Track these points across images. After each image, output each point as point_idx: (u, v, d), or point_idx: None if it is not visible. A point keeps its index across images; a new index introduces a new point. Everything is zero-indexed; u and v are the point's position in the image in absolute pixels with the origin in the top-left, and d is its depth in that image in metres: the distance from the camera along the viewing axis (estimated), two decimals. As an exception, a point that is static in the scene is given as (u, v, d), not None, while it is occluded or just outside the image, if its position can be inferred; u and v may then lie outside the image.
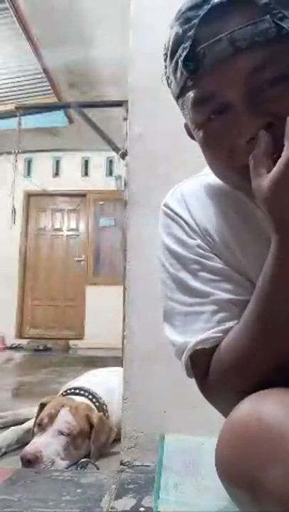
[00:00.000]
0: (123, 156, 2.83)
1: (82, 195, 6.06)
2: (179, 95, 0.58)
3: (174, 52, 0.55)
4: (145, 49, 1.39)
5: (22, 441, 1.55)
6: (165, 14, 1.35)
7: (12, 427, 1.63)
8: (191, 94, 0.55)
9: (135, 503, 0.97)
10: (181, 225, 0.66)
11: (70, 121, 4.68)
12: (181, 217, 0.67)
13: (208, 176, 0.68)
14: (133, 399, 1.28)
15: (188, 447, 1.12)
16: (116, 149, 3.70)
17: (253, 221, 0.63)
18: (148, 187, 1.34)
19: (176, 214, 0.67)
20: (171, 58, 0.56)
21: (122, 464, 1.25)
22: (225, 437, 0.50)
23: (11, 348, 5.38)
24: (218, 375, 0.59)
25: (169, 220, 0.68)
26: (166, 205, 0.69)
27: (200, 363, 0.61)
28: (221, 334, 0.59)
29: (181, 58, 0.53)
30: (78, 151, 5.84)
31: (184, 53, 0.53)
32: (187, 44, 0.52)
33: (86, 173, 6.03)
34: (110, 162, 5.89)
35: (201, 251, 0.64)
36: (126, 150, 1.57)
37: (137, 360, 1.29)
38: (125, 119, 2.65)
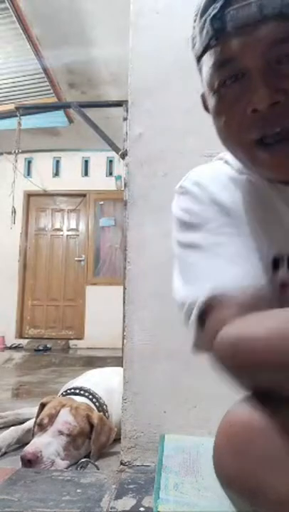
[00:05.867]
0: (123, 156, 2.82)
1: (82, 195, 6.06)
2: (201, 54, 0.59)
3: (204, 11, 0.56)
4: (145, 49, 1.39)
5: (22, 441, 1.55)
6: (165, 14, 1.35)
7: (12, 427, 1.63)
8: (212, 54, 0.56)
9: (135, 503, 0.97)
10: (195, 196, 0.66)
11: (70, 121, 4.68)
12: (195, 192, 0.66)
13: (223, 165, 0.68)
14: (133, 399, 1.28)
15: (188, 447, 1.12)
16: (116, 149, 3.70)
17: (272, 210, 0.63)
18: (148, 187, 1.34)
19: (190, 190, 0.67)
20: (201, 17, 0.57)
21: (122, 464, 1.25)
22: (220, 442, 0.50)
23: (10, 348, 5.38)
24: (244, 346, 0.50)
25: (183, 196, 0.68)
26: (180, 187, 0.69)
27: (217, 315, 0.55)
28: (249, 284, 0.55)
29: (210, 17, 0.55)
30: (78, 151, 5.84)
31: (214, 12, 0.54)
32: (218, 4, 0.54)
33: (86, 173, 6.03)
34: (110, 162, 5.89)
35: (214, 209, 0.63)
36: (126, 150, 1.57)
37: (137, 360, 1.29)
38: (125, 119, 2.65)
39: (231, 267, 0.57)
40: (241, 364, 0.49)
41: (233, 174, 0.66)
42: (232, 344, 0.50)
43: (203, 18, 0.56)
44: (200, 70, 0.61)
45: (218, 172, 0.68)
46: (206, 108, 0.64)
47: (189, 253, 0.62)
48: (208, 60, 0.57)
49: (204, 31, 0.56)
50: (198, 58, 0.60)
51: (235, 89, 0.55)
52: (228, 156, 0.67)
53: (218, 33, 0.54)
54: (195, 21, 0.60)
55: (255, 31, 0.52)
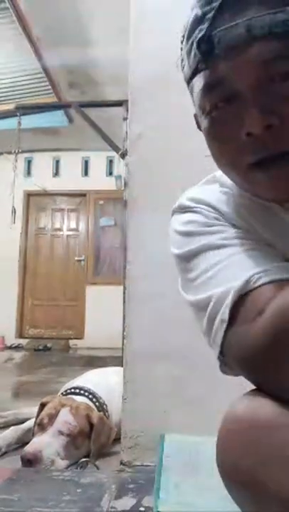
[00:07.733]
0: (123, 156, 2.83)
1: (82, 195, 6.06)
2: (190, 78, 0.57)
3: (191, 33, 0.54)
4: (145, 49, 1.39)
5: (22, 441, 1.55)
6: (165, 15, 1.36)
7: (12, 427, 1.63)
8: (201, 77, 0.54)
9: (135, 503, 0.98)
10: (200, 212, 0.63)
11: (70, 121, 4.68)
12: (197, 207, 0.64)
13: (221, 187, 0.67)
14: (133, 399, 1.28)
15: (188, 447, 1.12)
16: (116, 149, 3.70)
17: (281, 224, 0.60)
18: (148, 187, 1.34)
19: (190, 207, 0.65)
20: (188, 39, 0.55)
21: (122, 463, 1.25)
22: (223, 439, 0.49)
23: (10, 347, 5.39)
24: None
25: (185, 213, 0.65)
26: (180, 207, 0.67)
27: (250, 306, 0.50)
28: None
29: (196, 39, 0.52)
30: (78, 151, 5.84)
31: (200, 35, 0.52)
32: (204, 26, 0.51)
33: (86, 173, 6.03)
34: (110, 162, 5.89)
35: (221, 222, 0.61)
36: (126, 150, 1.57)
37: (137, 360, 1.29)
38: (125, 119, 2.65)
39: (266, 259, 0.54)
40: None
41: (232, 195, 0.64)
42: None
43: (190, 41, 0.54)
44: (190, 91, 0.59)
45: (218, 191, 0.66)
46: (200, 128, 0.62)
47: (206, 256, 0.58)
48: (198, 82, 0.55)
49: (192, 54, 0.54)
50: (188, 80, 0.58)
51: (227, 112, 0.53)
52: (223, 178, 0.65)
53: (206, 56, 0.52)
54: (182, 42, 0.57)
55: (245, 53, 0.49)
